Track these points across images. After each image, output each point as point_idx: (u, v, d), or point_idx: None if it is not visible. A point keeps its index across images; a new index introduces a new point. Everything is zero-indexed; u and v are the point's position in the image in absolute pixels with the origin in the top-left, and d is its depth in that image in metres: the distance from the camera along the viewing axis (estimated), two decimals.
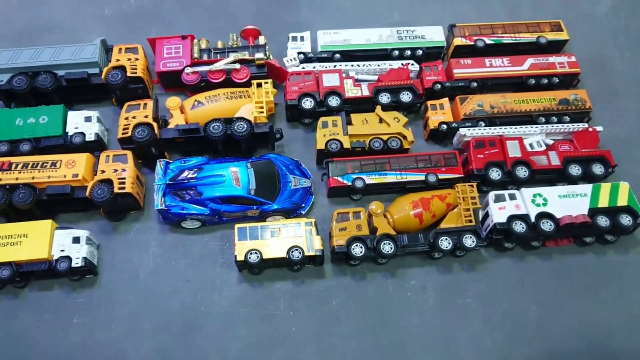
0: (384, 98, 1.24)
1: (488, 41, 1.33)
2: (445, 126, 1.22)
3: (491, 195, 1.13)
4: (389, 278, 1.14)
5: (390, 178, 1.17)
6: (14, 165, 1.11)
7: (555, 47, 1.36)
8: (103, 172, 1.11)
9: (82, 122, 1.20)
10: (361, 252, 1.07)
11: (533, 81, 1.29)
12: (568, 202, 1.11)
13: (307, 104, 1.22)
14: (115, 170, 1.11)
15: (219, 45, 1.29)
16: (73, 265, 1.05)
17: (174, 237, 1.15)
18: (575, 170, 1.16)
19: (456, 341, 1.08)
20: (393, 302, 1.12)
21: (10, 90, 1.21)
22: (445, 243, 1.08)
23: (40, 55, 1.21)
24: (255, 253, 1.06)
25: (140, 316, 1.07)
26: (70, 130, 1.18)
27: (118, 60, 1.22)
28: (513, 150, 1.17)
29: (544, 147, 1.19)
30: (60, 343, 1.04)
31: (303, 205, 1.16)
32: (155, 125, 1.15)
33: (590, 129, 1.21)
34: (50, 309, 1.07)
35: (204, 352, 1.04)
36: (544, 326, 1.08)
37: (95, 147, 1.19)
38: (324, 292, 1.12)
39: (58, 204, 1.13)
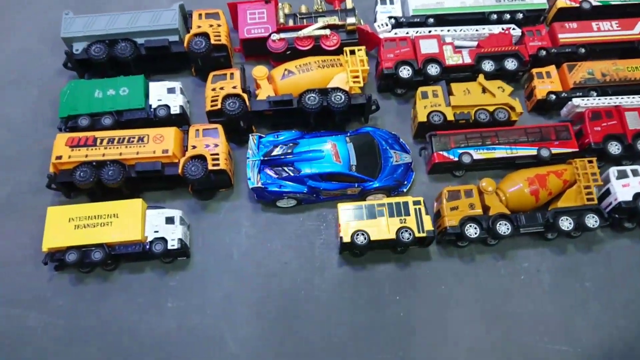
0: (487, 66, 1.14)
1: (594, 2, 1.22)
2: (553, 96, 1.13)
3: (612, 171, 1.04)
4: (499, 260, 1.07)
5: (499, 153, 1.08)
6: (99, 141, 1.04)
7: None
8: (194, 147, 1.03)
9: (164, 93, 1.11)
10: (476, 234, 0.99)
11: None
12: None
13: (405, 72, 1.13)
14: (207, 146, 1.03)
15: (303, 9, 1.19)
16: (169, 247, 0.98)
17: (267, 216, 1.08)
18: None
19: (576, 328, 1.00)
20: (505, 286, 1.05)
21: (85, 60, 1.13)
22: (566, 223, 1.00)
23: (116, 22, 1.12)
24: (363, 234, 0.98)
25: (236, 300, 1.01)
26: (153, 102, 1.10)
27: (199, 26, 1.13)
28: (633, 122, 1.08)
29: None
30: (155, 328, 0.99)
31: (405, 182, 1.08)
32: (245, 96, 1.07)
33: None
34: (143, 293, 1.01)
35: (306, 339, 0.98)
36: None
37: (179, 120, 1.11)
38: (431, 276, 1.05)
39: (143, 182, 1.06)
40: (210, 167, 1.01)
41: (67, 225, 0.98)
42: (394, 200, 1.01)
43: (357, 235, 0.98)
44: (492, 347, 0.98)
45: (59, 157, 1.02)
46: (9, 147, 1.13)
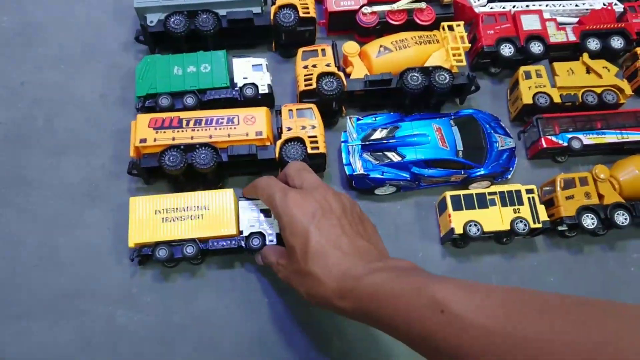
0: (593, 44, 1.07)
1: None
2: None
3: None
4: (607, 251, 1.02)
5: (610, 138, 1.02)
6: (184, 122, 0.94)
7: None
8: (289, 129, 0.95)
9: (250, 71, 1.02)
10: (593, 224, 0.94)
11: None
12: None
13: (506, 50, 1.05)
14: (303, 127, 0.95)
15: None
16: (267, 242, 0.91)
17: (363, 204, 1.00)
18: None
19: None
20: (616, 278, 0.99)
21: (159, 33, 1.03)
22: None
23: None
24: (475, 225, 0.92)
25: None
26: (239, 80, 1.01)
27: None
28: None
29: None
30: (252, 324, 0.92)
31: (510, 168, 1.02)
32: (341, 75, 0.98)
33: None
34: (234, 288, 0.94)
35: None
36: None
37: (266, 100, 1.02)
38: (539, 268, 1.00)
39: (230, 167, 0.98)
40: (309, 151, 0.92)
41: (154, 218, 0.88)
42: (505, 188, 0.95)
43: (470, 225, 0.92)
44: None
45: (143, 140, 0.92)
46: (79, 129, 1.03)
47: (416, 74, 0.97)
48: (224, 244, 0.88)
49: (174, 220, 0.87)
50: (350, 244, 0.57)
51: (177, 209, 0.88)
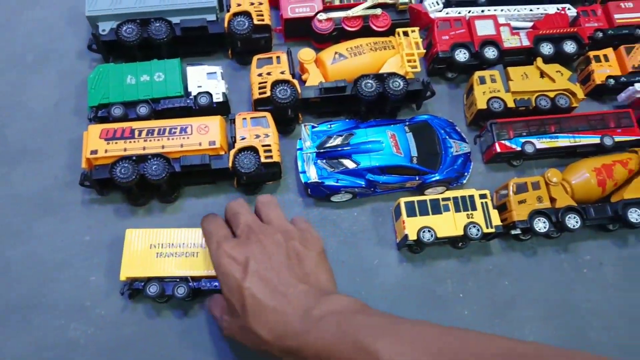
0: (546, 48, 1.08)
1: None
2: (612, 81, 1.08)
3: None
4: (561, 253, 1.03)
5: (562, 142, 1.03)
6: (137, 132, 0.93)
7: None
8: (243, 138, 0.95)
9: (204, 79, 1.01)
10: (545, 228, 0.95)
11: None
12: None
13: (461, 55, 1.06)
14: (257, 136, 0.95)
15: None
16: None
17: (319, 211, 1.01)
18: None
19: None
20: (569, 280, 1.01)
21: (112, 42, 1.02)
22: (635, 215, 0.97)
23: None
24: (429, 231, 0.93)
25: None
26: (193, 89, 1.01)
27: (239, 4, 1.03)
28: None
29: None
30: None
31: (465, 173, 1.03)
32: (296, 83, 0.98)
33: None
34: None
35: None
36: None
37: (221, 108, 1.01)
38: (494, 271, 1.01)
39: (184, 177, 0.97)
40: (263, 160, 0.92)
41: (149, 252, 0.83)
42: (459, 194, 0.96)
43: (424, 231, 0.92)
44: (557, 341, 0.95)
45: (94, 152, 0.91)
46: (31, 138, 1.02)
47: (370, 81, 0.98)
48: (217, 284, 0.79)
49: (168, 256, 0.83)
50: (287, 293, 0.56)
51: (172, 244, 0.84)
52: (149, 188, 0.95)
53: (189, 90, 0.99)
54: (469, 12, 1.10)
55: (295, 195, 1.02)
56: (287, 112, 0.99)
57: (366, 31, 1.07)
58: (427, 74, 1.12)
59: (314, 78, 1.00)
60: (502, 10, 1.11)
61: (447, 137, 1.01)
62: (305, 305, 0.54)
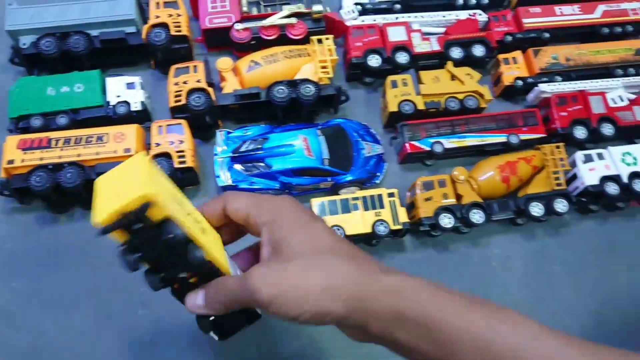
0: (456, 52, 1.13)
1: None
2: (520, 82, 1.13)
3: (579, 155, 1.06)
4: (471, 247, 1.07)
5: (470, 141, 1.08)
6: (54, 142, 0.97)
7: None
8: (158, 145, 0.98)
9: (123, 89, 1.05)
10: (450, 223, 0.99)
11: (607, 30, 1.20)
12: None
13: (373, 61, 1.10)
14: (172, 143, 0.99)
15: None
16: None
17: None
18: None
19: (548, 311, 1.03)
20: (479, 273, 1.05)
21: (35, 55, 1.05)
22: (536, 209, 1.02)
23: (68, 13, 1.04)
24: (339, 229, 0.97)
25: None
26: (112, 99, 1.04)
27: (158, 16, 1.07)
28: (597, 106, 1.10)
29: (626, 102, 1.12)
30: (127, 336, 0.95)
31: (378, 173, 1.07)
32: (211, 90, 1.02)
33: None
34: (115, 300, 0.97)
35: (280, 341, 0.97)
36: (636, 290, 1.05)
37: (140, 117, 1.05)
38: (407, 265, 1.05)
39: None
40: (176, 165, 0.96)
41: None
42: (368, 193, 1.00)
43: (334, 230, 0.96)
44: None
45: (11, 162, 0.94)
46: None
47: (283, 87, 1.02)
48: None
49: None
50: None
51: None
52: (69, 196, 0.98)
53: (108, 100, 1.02)
54: (384, 19, 1.15)
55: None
56: (203, 118, 1.03)
57: (283, 39, 1.11)
58: (346, 79, 1.16)
59: (230, 85, 1.04)
60: (415, 17, 1.16)
61: (359, 139, 1.05)
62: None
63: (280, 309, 0.40)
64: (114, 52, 1.09)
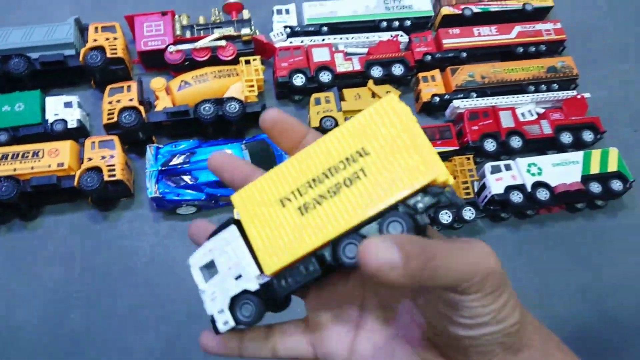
0: (376, 72, 1.21)
1: (475, 9, 1.31)
2: (437, 98, 1.21)
3: (487, 166, 1.14)
4: None
5: None
6: None
7: (541, 14, 1.36)
8: (90, 159, 1.06)
9: (61, 108, 1.13)
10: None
11: (521, 49, 1.29)
12: (561, 170, 1.14)
13: (298, 80, 1.19)
14: (103, 157, 1.06)
15: (201, 21, 1.23)
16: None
17: (169, 224, 1.12)
18: (566, 138, 1.18)
19: None
20: None
21: None
22: (445, 217, 1.09)
23: (9, 37, 1.12)
24: None
25: (142, 308, 1.04)
26: (50, 117, 1.11)
27: (95, 40, 1.15)
28: (506, 121, 1.18)
29: (535, 116, 1.20)
30: (58, 336, 1.01)
31: None
32: (142, 108, 1.10)
33: (579, 96, 1.22)
34: (45, 302, 1.03)
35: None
36: (543, 293, 1.12)
37: (78, 134, 1.12)
38: None
39: (42, 196, 1.07)
40: (106, 178, 1.03)
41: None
42: None
43: None
44: None
45: None
46: None
47: (209, 105, 1.09)
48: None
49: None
50: None
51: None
52: (9, 207, 1.05)
53: (47, 118, 1.09)
54: (311, 41, 1.23)
55: (147, 210, 1.13)
56: (137, 134, 1.10)
57: (215, 61, 1.19)
58: (276, 97, 1.24)
59: (163, 104, 1.12)
60: (341, 38, 1.24)
61: (282, 152, 1.13)
62: None
63: None
64: (57, 73, 1.17)
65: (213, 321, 0.33)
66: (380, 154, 0.28)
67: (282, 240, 0.30)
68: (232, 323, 0.32)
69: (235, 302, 0.32)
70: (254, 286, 0.31)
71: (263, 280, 0.32)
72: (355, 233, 0.29)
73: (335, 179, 0.29)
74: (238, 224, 0.32)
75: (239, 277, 0.32)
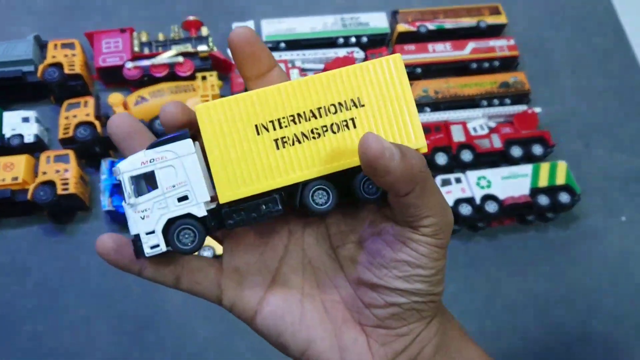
0: None
1: (430, 27, 1.34)
2: None
3: (438, 179, 1.16)
4: None
5: None
6: None
7: (495, 31, 1.39)
8: (45, 173, 1.07)
9: (19, 122, 1.14)
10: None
11: (475, 65, 1.32)
12: (510, 183, 1.16)
13: None
14: (58, 171, 1.07)
15: (160, 37, 1.26)
16: None
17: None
18: (516, 151, 1.21)
19: None
20: None
21: None
22: None
23: None
24: (210, 249, 1.06)
25: (94, 319, 1.05)
26: (7, 132, 1.13)
27: (54, 56, 1.17)
28: (457, 135, 1.21)
29: (486, 130, 1.23)
30: (9, 352, 1.02)
31: None
32: (97, 123, 1.12)
33: (530, 111, 1.25)
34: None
35: (162, 344, 1.04)
36: (492, 303, 1.13)
37: (35, 148, 1.14)
38: None
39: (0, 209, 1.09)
40: (59, 192, 1.04)
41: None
42: None
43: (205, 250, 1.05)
44: None
45: None
46: None
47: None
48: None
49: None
50: None
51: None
52: None
53: (4, 132, 1.11)
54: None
55: (103, 222, 1.14)
56: (93, 149, 1.12)
57: (173, 77, 1.21)
58: None
59: None
60: (297, 54, 1.27)
61: None
62: None
63: None
64: (17, 89, 1.19)
65: (136, 242, 0.30)
66: (374, 109, 0.29)
67: (247, 169, 0.27)
68: (163, 247, 0.28)
69: (170, 226, 0.28)
70: (200, 212, 0.28)
71: (211, 207, 0.29)
72: (326, 180, 0.28)
73: (323, 121, 0.28)
74: (194, 139, 0.29)
75: (183, 198, 0.28)
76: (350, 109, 0.29)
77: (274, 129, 0.28)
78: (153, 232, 0.29)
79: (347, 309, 0.33)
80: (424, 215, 0.29)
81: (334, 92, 0.29)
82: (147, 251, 0.29)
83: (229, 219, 0.28)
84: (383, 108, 0.30)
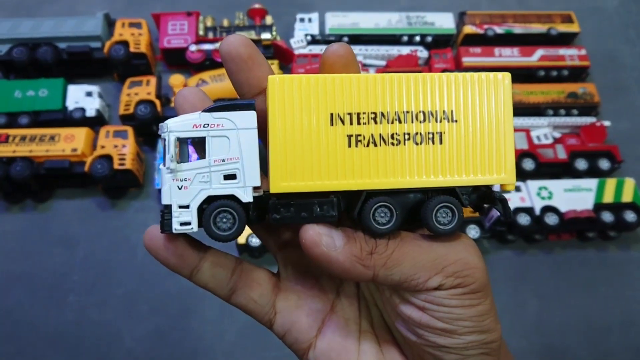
0: None
1: (498, 30, 1.30)
2: None
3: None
4: None
5: None
6: (11, 138, 1.08)
7: (565, 39, 1.34)
8: (103, 147, 1.09)
9: (82, 96, 1.17)
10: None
11: (542, 73, 1.27)
12: (573, 196, 1.11)
13: None
14: (116, 146, 1.09)
15: (225, 23, 1.26)
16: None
17: None
18: (581, 164, 1.15)
19: None
20: None
21: (10, 62, 1.18)
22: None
23: (41, 27, 1.18)
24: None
25: (135, 298, 1.06)
26: (71, 104, 1.15)
27: (121, 34, 1.19)
28: (520, 142, 1.16)
29: (551, 140, 1.18)
30: (53, 321, 1.03)
31: None
32: (158, 102, 1.13)
33: (598, 124, 1.20)
34: (44, 287, 1.06)
35: (201, 333, 1.04)
36: (543, 320, 1.08)
37: (96, 122, 1.16)
38: None
39: (56, 179, 1.11)
40: (115, 167, 1.06)
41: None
42: None
43: (252, 237, 1.04)
44: None
45: None
46: None
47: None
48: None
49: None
50: None
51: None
52: (22, 187, 1.08)
53: (67, 105, 1.13)
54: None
55: (154, 201, 1.15)
56: (151, 127, 1.13)
57: None
58: None
59: None
60: (360, 49, 1.25)
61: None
62: None
63: None
64: (82, 64, 1.22)
65: (165, 214, 0.25)
66: (468, 129, 0.26)
67: (310, 161, 0.24)
68: (195, 227, 0.24)
69: (208, 205, 0.25)
70: (246, 197, 0.24)
71: (259, 194, 0.25)
72: (390, 196, 0.25)
73: (408, 127, 0.25)
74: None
75: (231, 176, 0.25)
76: (441, 121, 0.26)
77: (351, 124, 0.25)
78: (187, 207, 0.25)
79: (402, 355, 0.30)
80: (424, 279, 0.27)
81: (426, 98, 0.25)
82: (176, 227, 0.25)
83: (276, 212, 0.24)
84: (478, 131, 0.26)
